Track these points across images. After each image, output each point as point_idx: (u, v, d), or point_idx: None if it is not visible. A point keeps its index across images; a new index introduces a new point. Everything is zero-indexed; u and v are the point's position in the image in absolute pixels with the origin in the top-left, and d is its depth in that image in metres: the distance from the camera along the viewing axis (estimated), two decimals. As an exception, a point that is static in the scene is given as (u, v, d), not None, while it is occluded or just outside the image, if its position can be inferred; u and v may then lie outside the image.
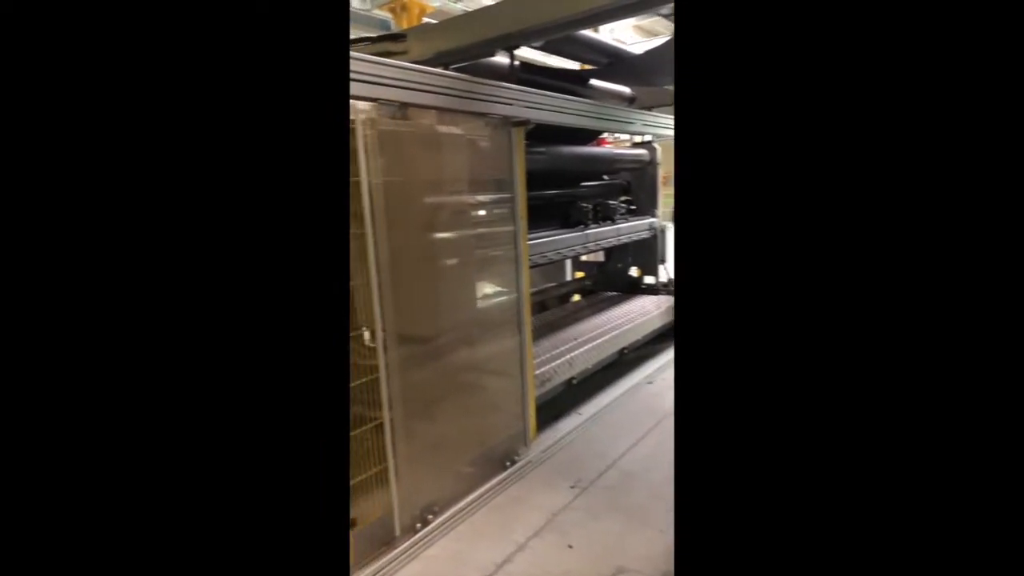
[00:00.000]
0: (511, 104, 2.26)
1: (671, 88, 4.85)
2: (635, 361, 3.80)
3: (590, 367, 3.18)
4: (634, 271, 4.68)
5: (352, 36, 2.47)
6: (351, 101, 1.86)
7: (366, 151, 1.81)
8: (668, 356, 3.93)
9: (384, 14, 4.52)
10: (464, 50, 2.44)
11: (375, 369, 1.95)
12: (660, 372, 3.67)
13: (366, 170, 1.81)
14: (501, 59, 2.69)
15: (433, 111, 2.02)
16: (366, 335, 1.96)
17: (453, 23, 2.58)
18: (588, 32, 3.06)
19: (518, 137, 2.35)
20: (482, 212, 2.31)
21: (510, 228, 2.38)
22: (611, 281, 4.75)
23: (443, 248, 2.17)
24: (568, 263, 4.95)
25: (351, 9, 4.36)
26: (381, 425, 1.99)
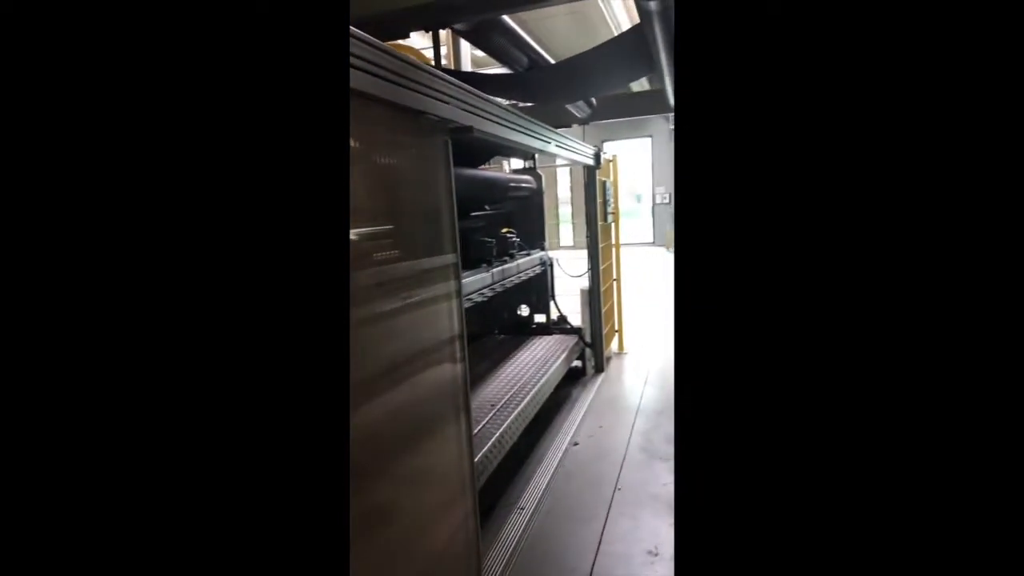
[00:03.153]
0: (449, 103, 1.61)
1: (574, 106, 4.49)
2: (546, 414, 3.28)
3: (517, 439, 2.57)
4: (523, 309, 4.20)
5: None
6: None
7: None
8: (580, 407, 3.49)
9: None
10: (367, 25, 1.72)
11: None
12: (579, 429, 3.19)
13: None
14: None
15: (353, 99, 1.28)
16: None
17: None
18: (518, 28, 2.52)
19: (449, 150, 1.69)
20: (411, 260, 1.58)
21: (449, 283, 1.69)
22: (494, 322, 4.21)
23: (362, 310, 1.41)
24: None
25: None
26: None
